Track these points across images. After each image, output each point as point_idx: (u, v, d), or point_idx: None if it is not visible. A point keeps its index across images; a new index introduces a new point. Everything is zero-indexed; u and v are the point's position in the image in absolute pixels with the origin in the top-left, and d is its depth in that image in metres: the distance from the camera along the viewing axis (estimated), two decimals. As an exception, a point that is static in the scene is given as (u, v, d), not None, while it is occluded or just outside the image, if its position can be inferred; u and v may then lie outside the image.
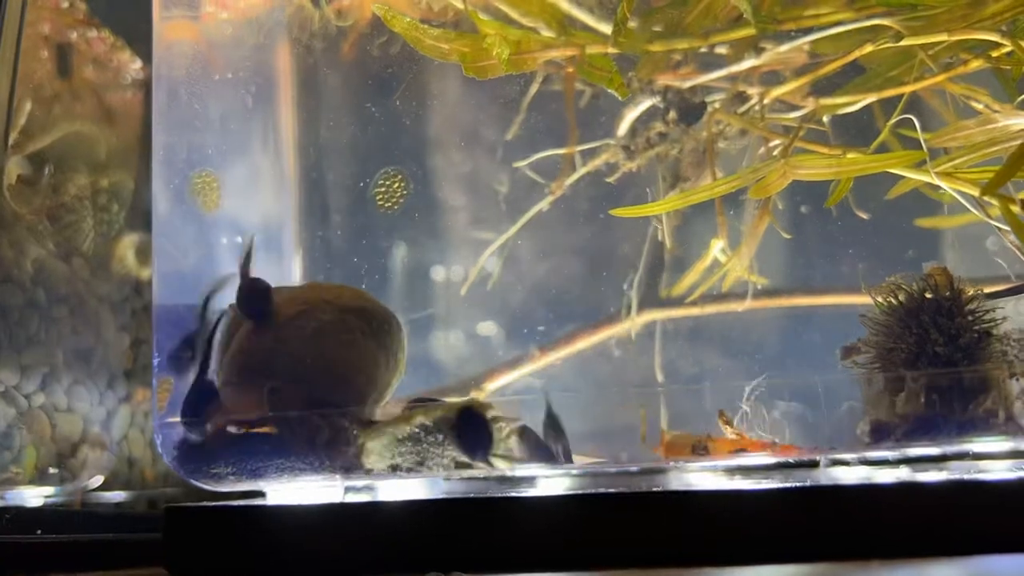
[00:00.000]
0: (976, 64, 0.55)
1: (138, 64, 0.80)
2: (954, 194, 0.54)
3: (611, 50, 0.60)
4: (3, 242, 0.69)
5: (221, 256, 0.70)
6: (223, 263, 0.70)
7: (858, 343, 0.55)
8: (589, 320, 0.66)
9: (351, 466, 0.57)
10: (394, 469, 0.57)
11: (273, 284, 0.62)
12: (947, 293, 0.52)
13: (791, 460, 0.57)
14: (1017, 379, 0.51)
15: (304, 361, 0.58)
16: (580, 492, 0.55)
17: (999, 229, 0.54)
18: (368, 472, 0.58)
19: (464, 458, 0.57)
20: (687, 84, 0.63)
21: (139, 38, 0.78)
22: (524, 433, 0.58)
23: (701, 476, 0.61)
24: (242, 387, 0.58)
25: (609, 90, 0.60)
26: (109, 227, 0.78)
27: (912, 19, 0.55)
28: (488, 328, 0.68)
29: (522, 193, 0.67)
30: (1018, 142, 0.50)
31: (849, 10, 0.57)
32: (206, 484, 0.60)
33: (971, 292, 0.52)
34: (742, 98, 0.62)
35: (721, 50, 0.62)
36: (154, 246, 0.68)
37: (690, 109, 0.63)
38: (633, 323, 0.64)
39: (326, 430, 0.57)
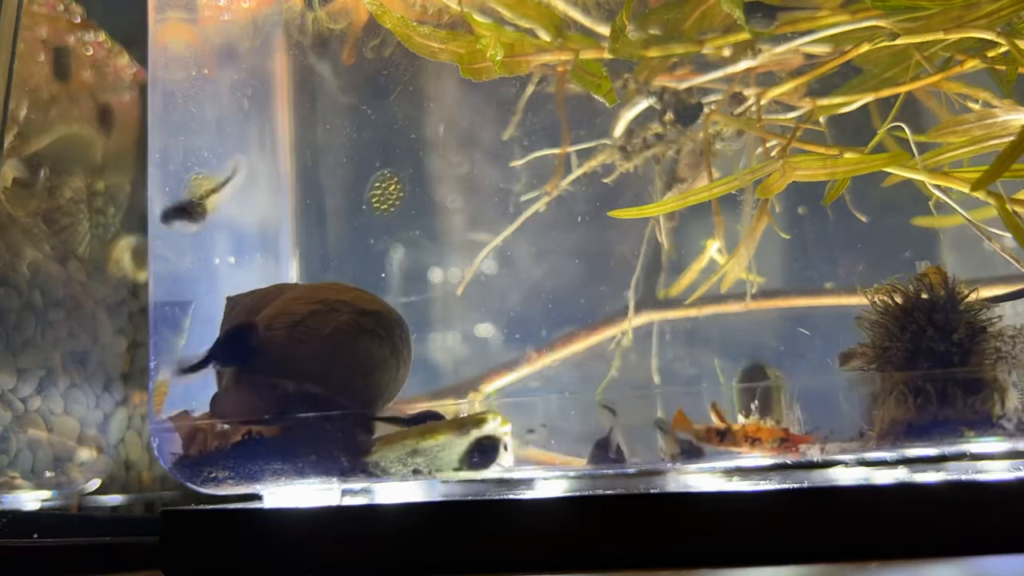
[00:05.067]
0: (972, 64, 0.55)
1: (135, 67, 0.80)
2: (942, 196, 0.54)
3: (607, 55, 0.59)
4: (-1, 245, 0.69)
5: (217, 258, 0.70)
6: (219, 265, 0.69)
7: (856, 348, 0.55)
8: (586, 321, 0.66)
9: (354, 469, 0.57)
10: (416, 473, 0.57)
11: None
12: (942, 292, 0.52)
13: (789, 461, 0.57)
14: (1013, 375, 0.51)
15: (318, 361, 0.57)
16: (578, 494, 0.55)
17: (995, 232, 0.54)
18: (370, 475, 0.57)
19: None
20: (683, 85, 0.63)
21: (136, 41, 0.78)
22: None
23: (699, 478, 0.61)
24: (254, 386, 0.58)
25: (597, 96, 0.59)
26: (105, 230, 0.78)
27: (907, 20, 0.55)
28: (485, 330, 0.67)
29: (519, 194, 0.67)
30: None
31: (844, 13, 0.57)
32: (203, 488, 0.60)
33: (966, 291, 0.52)
34: (739, 99, 0.62)
35: (718, 51, 0.62)
36: (150, 248, 0.68)
37: (686, 110, 0.63)
38: (630, 324, 0.64)
39: (339, 434, 0.56)
